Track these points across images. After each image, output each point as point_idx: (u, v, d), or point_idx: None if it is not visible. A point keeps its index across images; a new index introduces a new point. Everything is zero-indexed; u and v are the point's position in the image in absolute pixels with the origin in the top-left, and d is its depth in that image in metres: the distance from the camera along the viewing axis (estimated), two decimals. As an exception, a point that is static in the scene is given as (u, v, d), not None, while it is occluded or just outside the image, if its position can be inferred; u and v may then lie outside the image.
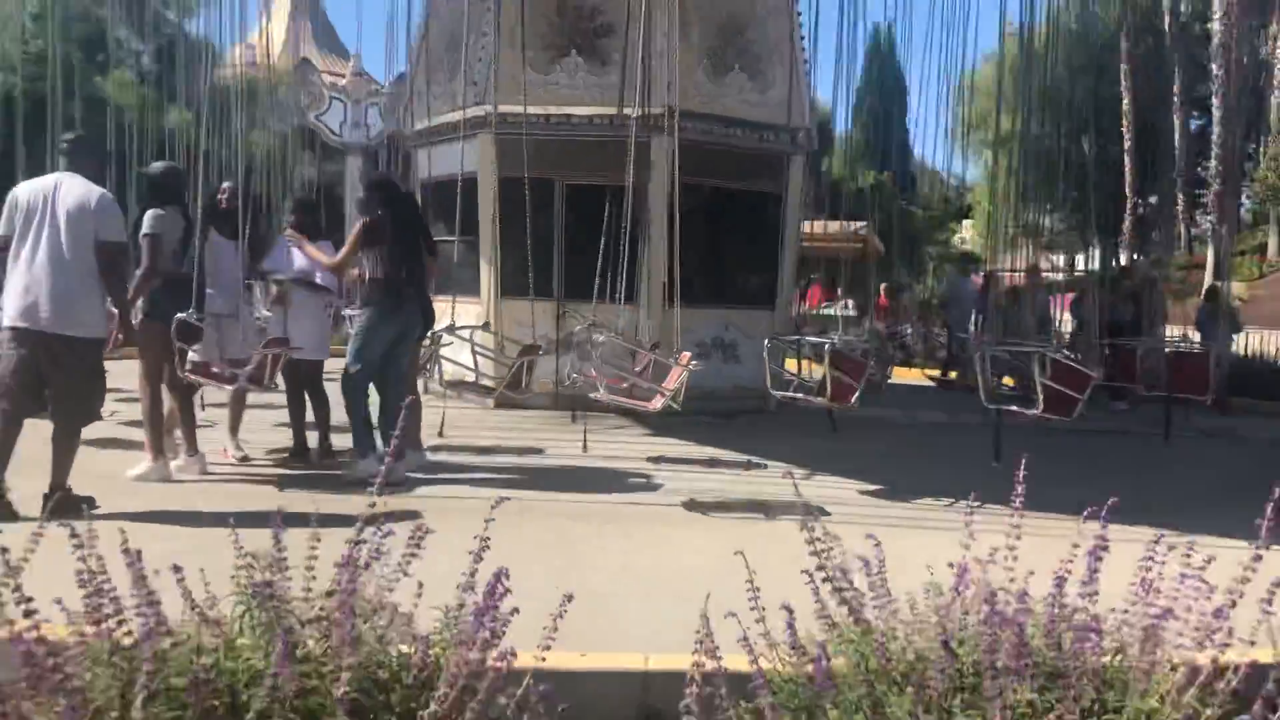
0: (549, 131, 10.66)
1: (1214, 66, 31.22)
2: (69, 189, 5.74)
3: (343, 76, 25.99)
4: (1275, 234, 35.94)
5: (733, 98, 11.05)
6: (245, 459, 7.73)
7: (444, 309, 9.34)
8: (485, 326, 10.16)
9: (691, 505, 6.98)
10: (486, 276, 10.97)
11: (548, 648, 2.45)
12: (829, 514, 6.84)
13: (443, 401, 9.53)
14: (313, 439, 7.93)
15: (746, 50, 11.09)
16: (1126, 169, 24.33)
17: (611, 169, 10.73)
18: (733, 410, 10.98)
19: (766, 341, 9.96)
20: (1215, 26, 30.82)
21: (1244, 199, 38.86)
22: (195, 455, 7.20)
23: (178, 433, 7.26)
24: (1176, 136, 35.18)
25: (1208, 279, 30.84)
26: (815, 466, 8.36)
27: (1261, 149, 33.72)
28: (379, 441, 7.17)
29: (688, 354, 8.34)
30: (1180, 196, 35.03)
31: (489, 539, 2.70)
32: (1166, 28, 34.39)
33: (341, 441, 7.72)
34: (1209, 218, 32.89)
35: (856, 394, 8.35)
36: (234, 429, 7.87)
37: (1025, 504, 3.02)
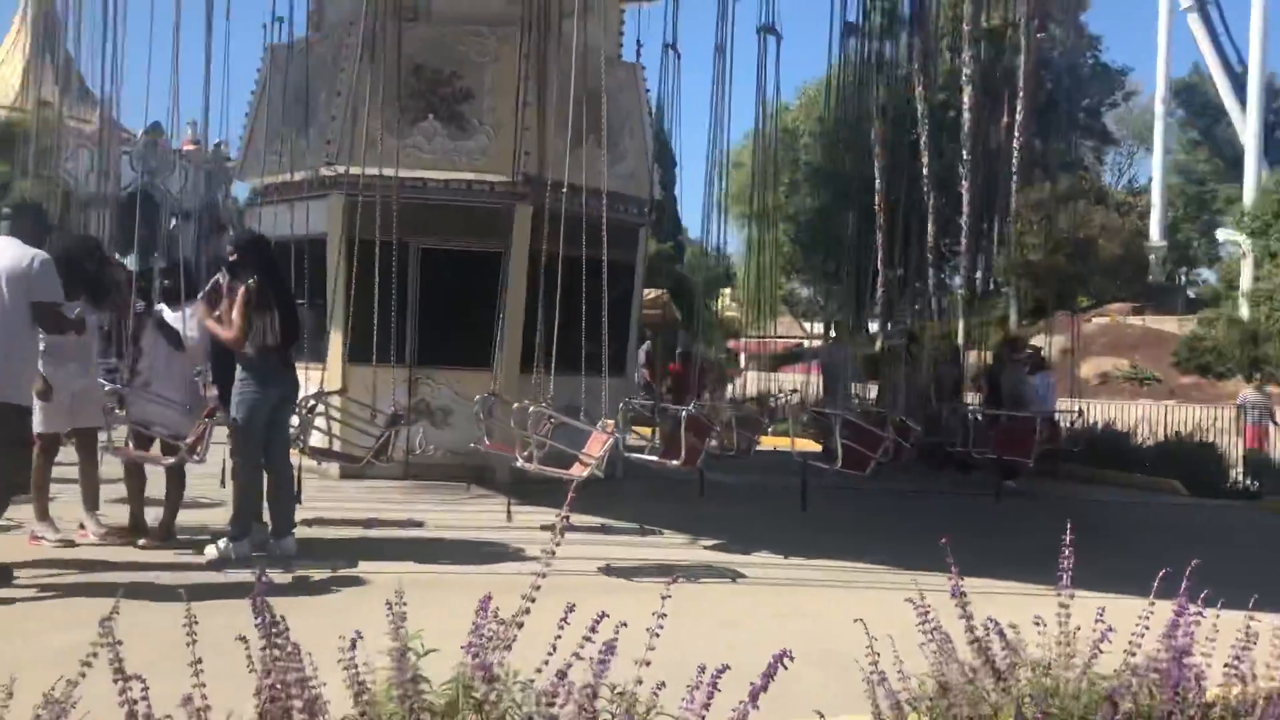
0: (404, 195, 10.47)
1: (964, 152, 34.18)
2: (3, 251, 5.62)
3: (89, 123, 24.40)
4: (1015, 306, 39.41)
5: (589, 168, 11.21)
6: (108, 533, 7.15)
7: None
8: (340, 393, 9.82)
9: (609, 571, 7.01)
10: (335, 341, 10.60)
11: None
12: (745, 576, 7.05)
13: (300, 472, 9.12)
14: (151, 515, 7.38)
15: (599, 122, 11.30)
16: (879, 243, 26.21)
17: (468, 234, 10.69)
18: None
19: (621, 405, 10.10)
20: (966, 115, 33.84)
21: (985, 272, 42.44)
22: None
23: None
24: (929, 214, 38.16)
25: (960, 343, 33.44)
26: (698, 531, 8.55)
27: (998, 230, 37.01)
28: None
29: (611, 421, 8.39)
30: (930, 270, 37.96)
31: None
32: (919, 114, 37.45)
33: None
34: (959, 290, 35.72)
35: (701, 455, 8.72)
36: (91, 503, 7.28)
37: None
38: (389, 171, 10.40)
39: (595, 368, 11.76)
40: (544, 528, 8.52)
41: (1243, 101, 40.15)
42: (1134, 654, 3.00)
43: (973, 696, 2.76)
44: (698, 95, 62.57)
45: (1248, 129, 37.26)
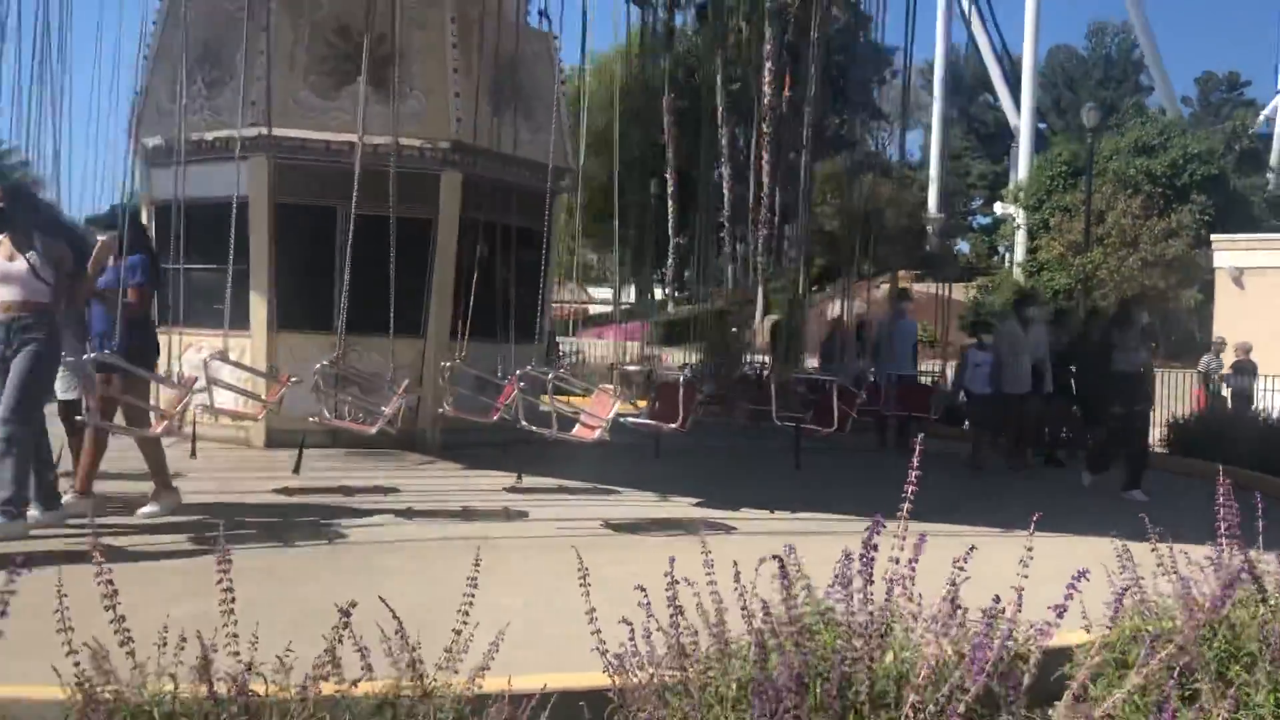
0: (332, 159, 10.26)
1: (765, 125, 35.55)
2: None
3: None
4: (803, 273, 41.41)
5: (511, 136, 11.27)
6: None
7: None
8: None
9: (615, 527, 7.32)
10: (259, 308, 10.29)
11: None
12: (735, 529, 7.51)
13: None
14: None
15: (520, 90, 11.36)
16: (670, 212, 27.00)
17: (398, 200, 10.58)
18: (508, 440, 11.12)
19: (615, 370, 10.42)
20: (766, 90, 35.16)
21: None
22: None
23: None
24: (725, 188, 39.52)
25: (759, 313, 34.96)
26: (656, 488, 8.94)
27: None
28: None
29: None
30: (728, 239, 39.40)
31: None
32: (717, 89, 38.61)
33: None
34: (759, 258, 37.22)
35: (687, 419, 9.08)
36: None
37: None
38: (316, 135, 10.20)
39: (521, 334, 11.95)
40: (508, 489, 8.73)
41: (1009, 84, 43.47)
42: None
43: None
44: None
45: (1022, 111, 40.39)
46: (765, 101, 34.99)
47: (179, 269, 10.60)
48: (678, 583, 2.97)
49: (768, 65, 35.24)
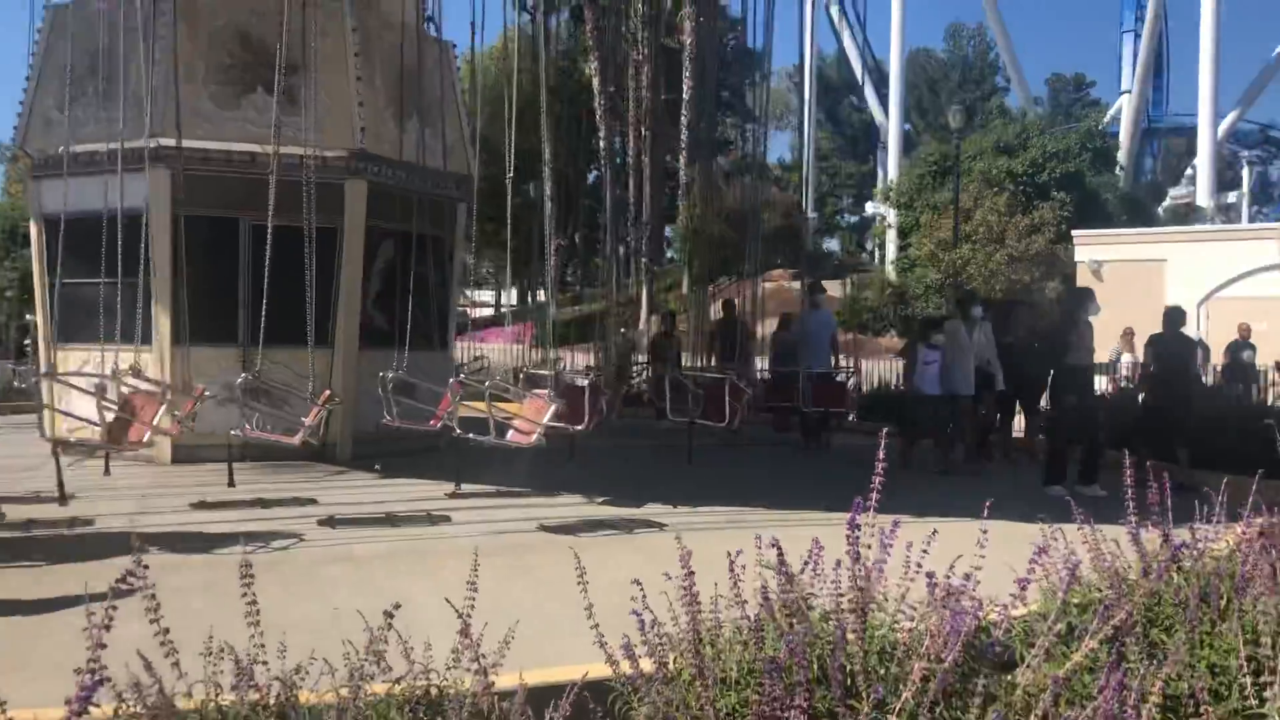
0: (234, 169, 10.16)
1: (643, 129, 35.95)
2: None
3: None
4: (687, 274, 41.98)
5: (415, 144, 11.31)
6: None
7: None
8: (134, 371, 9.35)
9: (551, 529, 7.49)
10: (162, 322, 10.12)
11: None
12: (665, 525, 7.76)
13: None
14: None
15: (421, 100, 11.40)
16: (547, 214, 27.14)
17: (301, 210, 10.54)
18: (413, 449, 11.15)
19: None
20: (645, 94, 35.54)
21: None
22: None
23: None
24: (607, 192, 39.77)
25: (644, 312, 35.34)
26: (585, 490, 9.12)
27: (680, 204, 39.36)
28: None
29: (328, 391, 8.81)
30: (609, 240, 39.71)
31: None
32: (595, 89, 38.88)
33: None
34: (644, 259, 37.62)
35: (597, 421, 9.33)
36: None
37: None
38: (218, 145, 10.09)
39: (427, 341, 11.98)
40: (450, 494, 8.80)
41: (877, 89, 44.83)
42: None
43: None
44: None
45: (890, 114, 41.70)
46: (644, 105, 35.45)
47: (69, 284, 10.40)
48: (670, 576, 3.18)
49: (645, 68, 35.73)
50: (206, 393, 8.50)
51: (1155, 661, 3.29)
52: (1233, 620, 3.36)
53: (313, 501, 8.66)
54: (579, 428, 8.86)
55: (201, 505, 8.21)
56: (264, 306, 10.37)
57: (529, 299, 45.11)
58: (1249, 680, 3.14)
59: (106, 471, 9.26)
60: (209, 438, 10.15)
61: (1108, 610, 3.21)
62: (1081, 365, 10.11)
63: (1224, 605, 3.68)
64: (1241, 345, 16.27)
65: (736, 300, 15.38)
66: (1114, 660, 3.05)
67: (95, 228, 9.67)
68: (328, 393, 8.71)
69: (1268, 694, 3.04)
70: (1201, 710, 2.96)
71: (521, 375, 11.42)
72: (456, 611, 2.95)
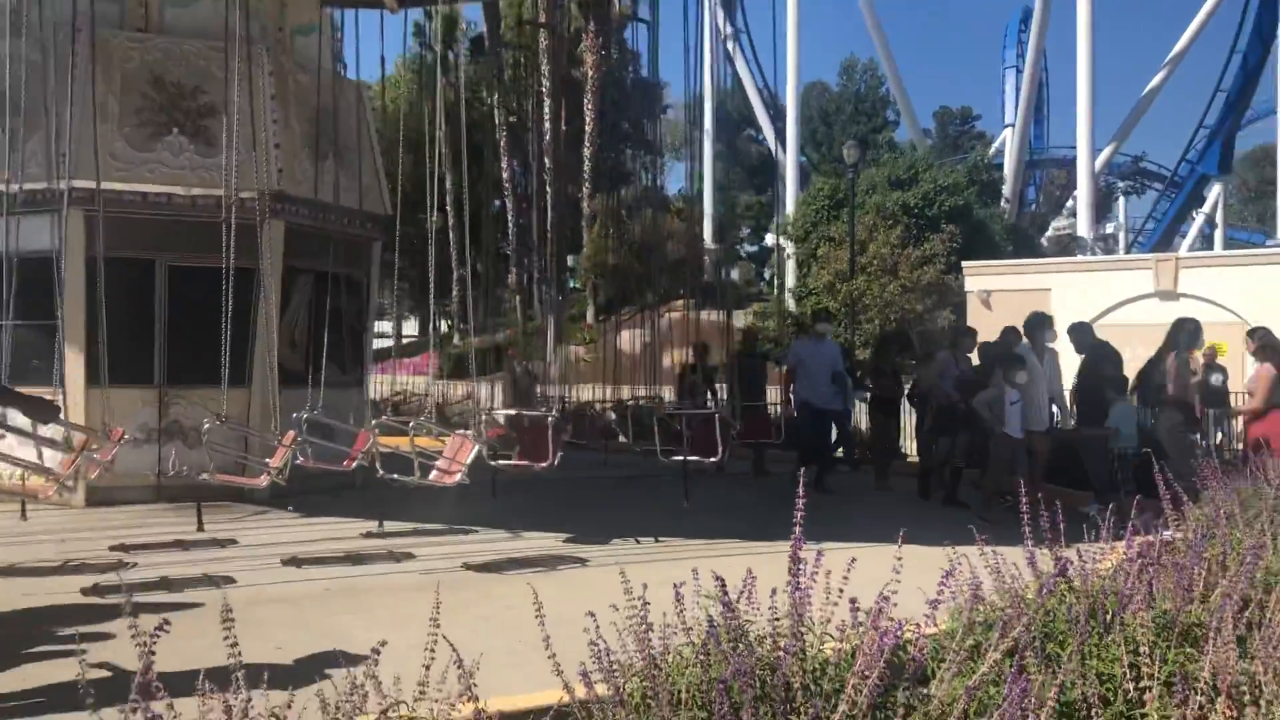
0: (150, 210, 10.19)
1: (545, 159, 36.27)
2: None
3: None
4: (592, 304, 42.38)
5: (329, 184, 11.44)
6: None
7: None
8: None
9: (478, 568, 7.68)
10: (74, 364, 10.06)
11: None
12: (588, 560, 8.04)
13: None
14: None
15: (336, 139, 11.55)
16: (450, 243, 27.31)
17: (218, 251, 10.60)
18: (335, 486, 11.23)
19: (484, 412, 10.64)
20: (547, 126, 35.93)
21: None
22: None
23: None
24: (510, 223, 39.96)
25: (550, 342, 35.56)
26: (506, 525, 9.32)
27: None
28: None
29: (291, 433, 8.91)
30: (514, 272, 39.93)
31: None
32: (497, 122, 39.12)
33: None
34: (549, 291, 37.89)
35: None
36: None
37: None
38: (133, 187, 10.11)
39: (343, 380, 12.07)
40: (365, 535, 8.94)
41: (774, 122, 45.90)
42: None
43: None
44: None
45: (787, 149, 42.78)
46: (545, 138, 35.84)
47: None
48: (649, 602, 3.46)
49: (546, 100, 36.13)
50: (125, 436, 8.51)
51: (1052, 672, 3.68)
52: (1116, 633, 3.78)
53: (233, 542, 8.71)
54: (543, 465, 9.02)
55: (121, 548, 8.21)
56: (179, 347, 10.45)
57: (431, 330, 45.06)
58: (1132, 686, 3.56)
59: (23, 516, 9.16)
60: (127, 478, 10.13)
61: (1005, 626, 3.60)
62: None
63: (1109, 619, 4.11)
64: (1211, 369, 15.06)
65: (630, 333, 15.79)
66: (1015, 671, 3.43)
67: (7, 270, 9.63)
68: (291, 434, 8.71)
69: (1147, 696, 3.45)
70: (1093, 714, 3.36)
71: (486, 415, 11.53)
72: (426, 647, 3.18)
